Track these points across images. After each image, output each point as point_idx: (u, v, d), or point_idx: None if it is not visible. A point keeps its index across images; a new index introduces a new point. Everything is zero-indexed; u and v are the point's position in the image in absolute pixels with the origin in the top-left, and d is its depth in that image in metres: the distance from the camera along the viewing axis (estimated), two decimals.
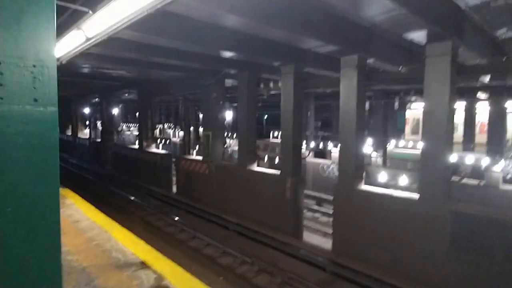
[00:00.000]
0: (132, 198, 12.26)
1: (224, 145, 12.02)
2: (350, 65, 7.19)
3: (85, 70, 11.36)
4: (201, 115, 15.28)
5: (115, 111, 27.68)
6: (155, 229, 9.57)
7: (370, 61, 7.64)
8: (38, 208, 2.09)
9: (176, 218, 9.94)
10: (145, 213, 10.90)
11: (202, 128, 12.70)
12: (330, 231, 9.82)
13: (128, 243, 4.75)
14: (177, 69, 9.93)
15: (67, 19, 4.65)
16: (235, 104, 15.71)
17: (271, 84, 9.90)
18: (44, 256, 2.14)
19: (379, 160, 13.05)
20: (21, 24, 2.08)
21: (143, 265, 4.03)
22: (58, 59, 7.63)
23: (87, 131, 23.15)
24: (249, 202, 9.59)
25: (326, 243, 8.25)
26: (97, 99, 20.85)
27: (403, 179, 8.92)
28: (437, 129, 6.06)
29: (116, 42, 7.00)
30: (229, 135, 17.32)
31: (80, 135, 23.16)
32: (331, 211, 11.56)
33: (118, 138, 26.31)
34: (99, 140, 19.92)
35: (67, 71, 11.40)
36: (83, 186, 14.72)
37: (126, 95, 18.13)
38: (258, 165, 10.30)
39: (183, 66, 9.62)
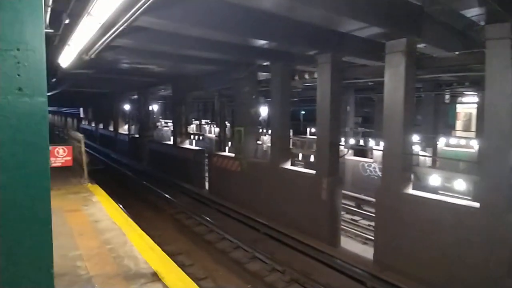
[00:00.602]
0: (164, 194, 12.15)
1: (257, 141, 11.48)
2: (397, 51, 6.26)
3: (124, 67, 11.34)
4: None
5: (154, 107, 28.35)
6: (184, 228, 9.28)
7: (420, 46, 6.65)
8: (26, 215, 1.84)
9: (206, 218, 9.58)
10: (175, 211, 10.69)
11: (234, 124, 12.25)
12: (370, 236, 8.94)
13: (144, 249, 4.35)
14: (209, 62, 9.51)
15: (76, 5, 4.32)
16: (270, 99, 15.11)
17: (306, 76, 9.14)
18: (32, 271, 1.80)
19: (427, 160, 11.77)
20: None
21: (154, 277, 3.59)
22: (86, 53, 7.51)
23: (126, 127, 23.80)
24: (281, 203, 8.96)
25: (367, 252, 7.40)
26: (135, 96, 21.27)
27: (459, 183, 7.77)
28: (499, 125, 5.03)
29: (145, 34, 6.68)
30: (264, 131, 16.74)
31: (120, 131, 23.87)
32: (371, 214, 10.64)
33: (156, 134, 26.89)
34: (137, 135, 20.31)
35: (107, 68, 11.47)
36: (120, 181, 14.98)
37: (162, 91, 18.22)
38: (292, 164, 9.63)
39: (215, 58, 9.16)
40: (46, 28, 5.38)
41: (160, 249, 4.40)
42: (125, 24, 4.95)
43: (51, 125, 23.23)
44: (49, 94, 16.91)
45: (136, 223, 9.40)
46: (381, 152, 12.47)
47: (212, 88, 13.13)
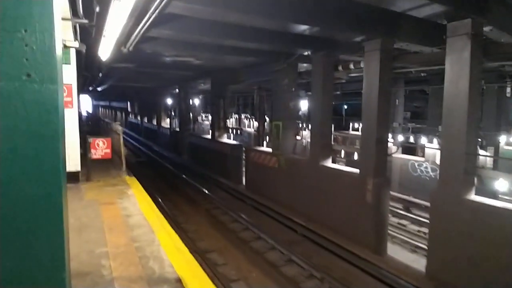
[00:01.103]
0: (202, 189, 12.07)
1: (296, 136, 10.94)
2: (461, 33, 5.38)
3: (163, 60, 11.36)
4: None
5: (196, 101, 28.76)
6: (219, 224, 9.06)
7: (486, 29, 5.71)
8: (35, 213, 1.66)
9: (242, 215, 9.27)
10: (211, 206, 10.54)
11: (272, 118, 11.80)
12: (420, 244, 8.09)
13: (171, 249, 4.08)
14: (248, 53, 9.12)
15: None
16: (310, 93, 14.43)
17: (351, 66, 8.39)
18: (42, 275, 1.65)
19: (488, 161, 10.44)
20: None
21: (177, 283, 3.28)
22: (124, 45, 7.45)
23: (168, 120, 24.34)
24: (321, 203, 8.38)
25: (417, 263, 6.63)
26: (177, 90, 21.60)
27: None
28: None
29: (180, 22, 6.44)
30: (304, 126, 16.09)
31: (163, 124, 24.48)
32: (421, 219, 9.67)
33: (197, 128, 27.27)
34: (178, 129, 20.64)
35: (147, 62, 11.58)
36: (160, 174, 15.25)
37: (202, 85, 18.24)
38: (333, 161, 8.98)
39: (254, 49, 8.75)
40: (80, 19, 5.31)
41: (187, 250, 4.11)
42: (157, 10, 4.69)
43: (97, 118, 24.44)
44: (99, 89, 17.62)
45: (173, 216, 9.44)
46: (435, 151, 11.35)
47: (251, 81, 12.77)
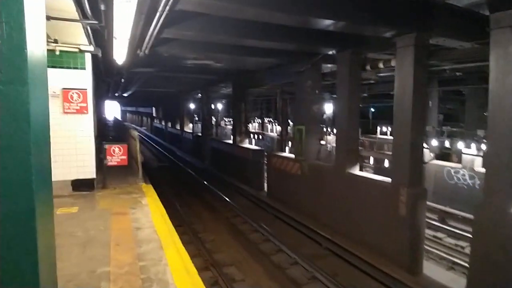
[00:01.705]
0: (222, 195, 11.70)
1: (320, 141, 10.35)
2: (507, 25, 4.66)
3: (183, 64, 11.15)
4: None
5: (219, 106, 28.68)
6: (239, 234, 8.61)
7: None
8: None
9: (263, 224, 8.78)
10: (231, 214, 10.12)
11: (294, 122, 11.27)
12: (458, 260, 7.27)
13: (179, 271, 3.66)
14: (269, 54, 8.67)
15: None
16: (335, 96, 13.77)
17: (381, 65, 7.72)
18: None
19: None
20: None
21: None
22: (140, 48, 7.21)
23: (191, 125, 24.32)
24: (347, 214, 7.73)
25: (456, 283, 5.88)
26: (199, 95, 21.52)
27: None
28: None
29: (195, 21, 6.11)
30: (329, 131, 15.40)
31: (186, 129, 24.49)
32: (459, 231, 8.77)
33: (220, 132, 27.11)
34: (200, 134, 20.51)
35: (168, 66, 11.42)
36: (181, 179, 15.07)
37: (224, 89, 17.99)
38: (361, 169, 8.32)
39: (275, 49, 8.29)
40: (90, 19, 5.06)
41: (196, 272, 3.67)
42: (167, 6, 4.35)
43: (120, 124, 24.78)
44: (125, 94, 17.70)
45: (191, 224, 9.10)
46: (473, 157, 10.37)
47: (273, 83, 12.31)
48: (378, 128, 18.44)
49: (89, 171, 7.19)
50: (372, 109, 26.29)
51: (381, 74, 9.52)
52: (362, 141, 12.63)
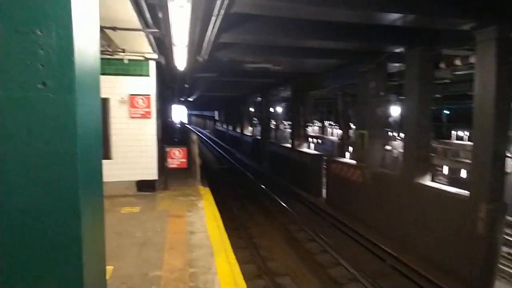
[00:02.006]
0: (279, 200, 11.50)
1: (384, 147, 9.58)
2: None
3: (242, 68, 11.27)
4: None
5: (278, 109, 28.63)
6: (294, 242, 8.32)
7: None
8: (47, 248, 1.42)
9: (320, 234, 8.37)
10: (287, 220, 9.86)
11: (356, 126, 10.62)
12: None
13: (227, 281, 3.55)
14: (329, 54, 8.29)
15: None
16: (403, 96, 12.68)
17: (457, 62, 6.82)
18: None
19: None
20: None
21: None
22: (199, 53, 7.38)
23: (250, 128, 24.62)
24: (415, 228, 6.96)
25: None
26: (259, 98, 21.67)
27: None
28: None
29: (253, 24, 6.05)
30: (395, 135, 14.27)
31: (246, 132, 24.86)
32: None
33: (279, 136, 27.00)
34: (259, 137, 20.61)
35: (228, 71, 11.64)
36: (239, 182, 15.24)
37: (283, 92, 17.82)
38: (432, 179, 7.46)
39: (336, 49, 7.89)
40: (151, 28, 5.28)
41: (245, 285, 3.53)
42: (222, 10, 4.31)
43: (185, 128, 26.02)
44: (190, 99, 18.65)
45: (247, 229, 9.06)
46: None
47: (334, 85, 11.79)
48: (453, 133, 16.60)
49: (152, 173, 7.57)
50: (447, 112, 23.84)
51: (458, 73, 8.47)
52: (434, 147, 11.41)
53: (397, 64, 8.86)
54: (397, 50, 7.37)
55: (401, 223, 7.38)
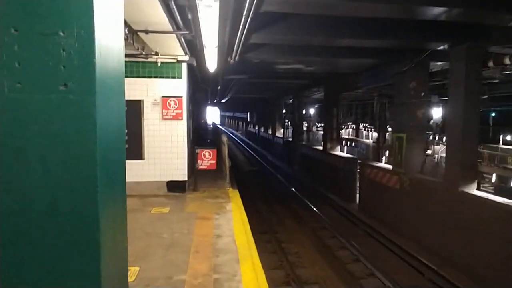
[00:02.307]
0: (309, 204, 11.19)
1: (424, 152, 8.99)
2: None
3: (274, 69, 11.13)
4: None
5: (310, 111, 28.15)
6: (325, 249, 8.00)
7: None
8: (67, 251, 1.43)
9: (353, 242, 7.98)
10: (318, 226, 9.54)
11: (393, 129, 10.07)
12: None
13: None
14: (365, 53, 7.92)
15: None
16: (447, 97, 11.87)
17: (507, 60, 6.19)
18: None
19: None
20: None
21: None
22: (230, 55, 7.31)
23: (282, 130, 24.38)
24: (459, 241, 6.41)
25: None
26: (291, 100, 21.40)
27: None
28: None
29: (283, 23, 5.88)
30: (436, 139, 13.39)
31: (277, 134, 24.66)
32: None
33: (311, 138, 26.49)
34: (290, 139, 20.34)
35: (259, 73, 11.55)
36: (269, 184, 15.08)
37: (316, 94, 17.44)
38: (478, 187, 6.85)
39: (372, 48, 7.50)
40: (182, 30, 5.26)
41: None
42: (251, 9, 4.18)
43: (218, 129, 26.28)
44: (222, 101, 18.91)
45: (275, 233, 8.86)
46: None
47: (369, 86, 11.28)
48: (501, 136, 15.31)
49: (182, 174, 7.61)
50: (493, 114, 22.17)
51: (508, 72, 7.74)
52: (479, 152, 10.56)
53: (439, 63, 8.29)
54: (440, 48, 6.85)
55: (443, 234, 6.83)
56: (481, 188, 9.08)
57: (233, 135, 47.24)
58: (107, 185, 1.78)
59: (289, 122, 24.96)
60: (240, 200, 7.15)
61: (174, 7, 4.09)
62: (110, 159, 1.85)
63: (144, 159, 7.33)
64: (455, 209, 6.59)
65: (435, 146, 11.95)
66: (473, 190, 6.56)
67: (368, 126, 23.85)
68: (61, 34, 1.56)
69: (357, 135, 24.18)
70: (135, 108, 7.15)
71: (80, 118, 1.59)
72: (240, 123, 54.22)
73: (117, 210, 2.10)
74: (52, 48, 1.55)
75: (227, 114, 61.33)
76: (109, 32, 1.74)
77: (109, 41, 1.73)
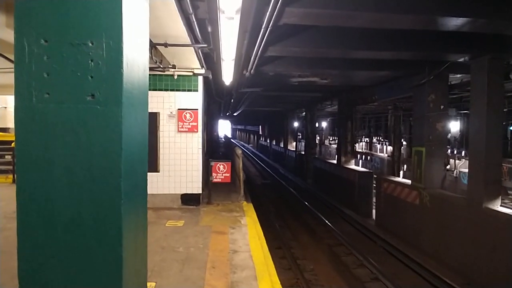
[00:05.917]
0: (324, 219, 10.93)
1: (445, 166, 8.71)
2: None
3: (288, 82, 11.11)
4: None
5: (323, 124, 27.99)
6: (341, 266, 7.74)
7: None
8: (92, 261, 1.48)
9: (370, 259, 7.70)
10: (334, 242, 9.27)
11: (411, 143, 9.83)
12: None
13: None
14: (381, 66, 7.82)
15: (211, 4, 3.74)
16: (465, 111, 11.60)
17: None
18: None
19: None
20: None
21: None
22: (246, 68, 7.32)
23: (294, 143, 24.24)
24: (482, 259, 6.10)
25: None
26: (303, 113, 21.33)
27: None
28: None
29: (300, 36, 5.87)
30: (456, 153, 13.03)
31: (289, 147, 24.53)
32: None
33: (324, 151, 26.25)
34: (303, 152, 20.16)
35: (273, 85, 11.54)
36: (282, 198, 14.87)
37: (329, 107, 17.35)
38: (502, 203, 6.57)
39: (388, 60, 7.41)
40: (200, 43, 5.29)
41: None
42: (271, 22, 4.17)
43: (229, 142, 26.32)
44: (234, 114, 18.98)
45: (290, 249, 8.65)
46: None
47: (385, 98, 11.13)
48: None
49: (196, 187, 7.55)
50: (511, 128, 21.61)
51: None
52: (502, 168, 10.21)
53: (458, 75, 8.12)
54: (461, 59, 6.71)
55: (466, 252, 6.53)
56: (501, 204, 8.73)
57: (245, 148, 47.22)
58: (130, 198, 1.72)
59: (301, 135, 24.83)
60: (255, 214, 7.03)
61: (194, 20, 4.11)
62: (134, 171, 1.79)
63: (159, 172, 7.32)
64: (478, 226, 6.30)
65: (456, 161, 11.62)
66: (497, 206, 6.28)
67: (382, 140, 23.51)
68: (90, 44, 1.54)
69: (370, 149, 23.85)
70: (151, 120, 7.17)
71: (106, 129, 1.55)
72: (252, 136, 54.30)
73: (139, 224, 2.02)
74: (81, 58, 1.53)
75: (239, 127, 61.57)
76: (135, 44, 1.71)
77: (135, 53, 1.70)
